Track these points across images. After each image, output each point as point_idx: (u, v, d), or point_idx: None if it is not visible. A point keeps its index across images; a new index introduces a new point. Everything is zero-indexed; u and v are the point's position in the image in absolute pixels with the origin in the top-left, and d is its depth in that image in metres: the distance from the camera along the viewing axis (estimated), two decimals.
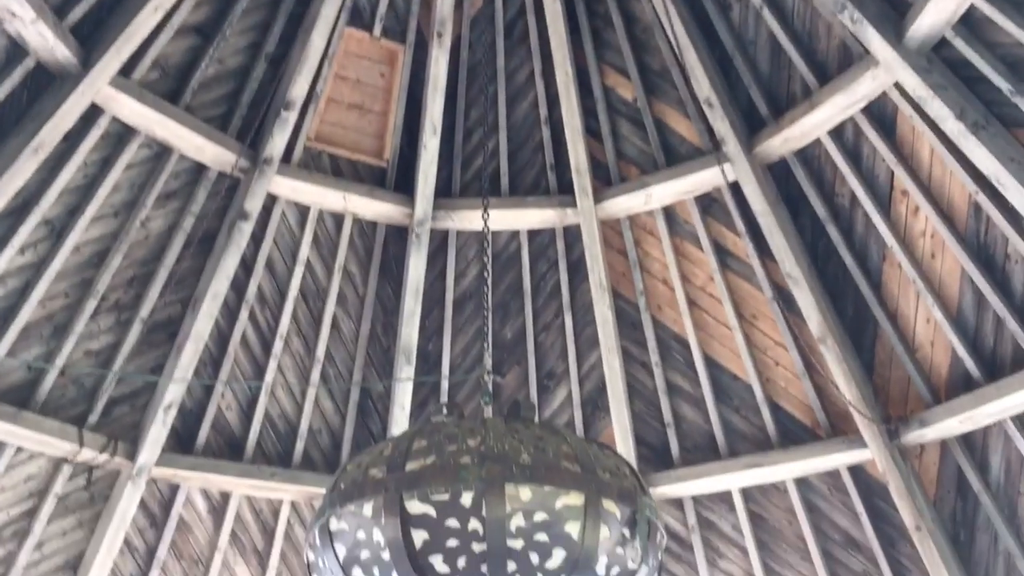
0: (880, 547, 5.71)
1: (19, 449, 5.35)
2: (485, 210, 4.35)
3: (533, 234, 6.44)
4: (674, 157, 6.09)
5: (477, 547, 2.89)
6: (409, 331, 6.22)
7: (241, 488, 6.00)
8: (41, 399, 5.36)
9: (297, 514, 6.23)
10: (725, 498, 6.14)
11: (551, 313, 6.49)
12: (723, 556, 6.20)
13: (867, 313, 5.68)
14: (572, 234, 6.35)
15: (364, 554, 2.99)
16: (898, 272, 5.54)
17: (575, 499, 2.96)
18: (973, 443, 5.40)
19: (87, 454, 5.48)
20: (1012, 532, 5.24)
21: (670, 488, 6.11)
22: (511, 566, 2.90)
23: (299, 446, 6.16)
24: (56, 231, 5.33)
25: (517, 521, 2.90)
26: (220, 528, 6.00)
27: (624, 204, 6.17)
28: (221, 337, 5.99)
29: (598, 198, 6.17)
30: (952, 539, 5.46)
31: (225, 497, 6.03)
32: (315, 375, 6.21)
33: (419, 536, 2.91)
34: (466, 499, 2.91)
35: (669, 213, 6.16)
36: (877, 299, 5.62)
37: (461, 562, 2.90)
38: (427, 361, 6.45)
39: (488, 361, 4.26)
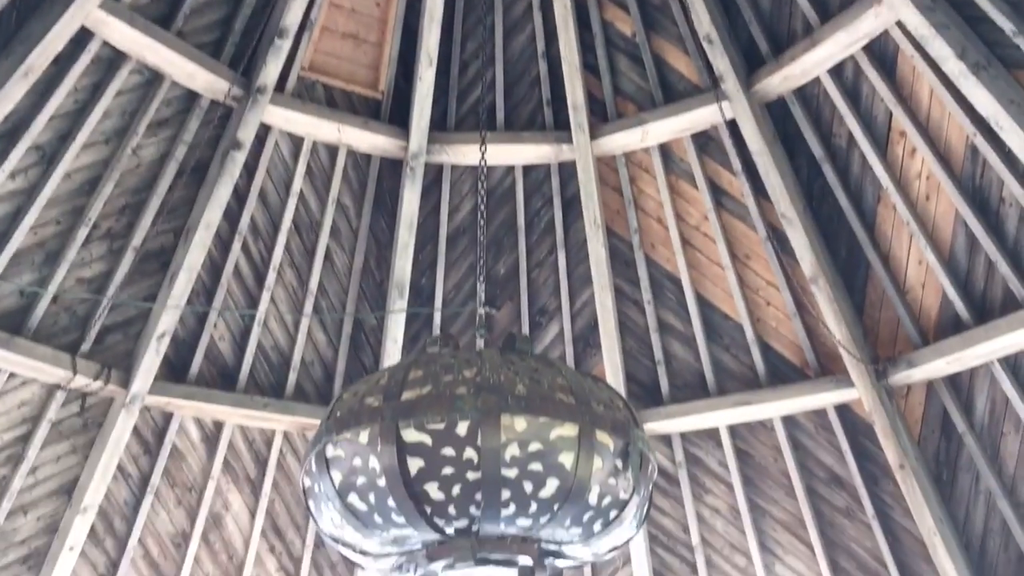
0: (863, 484, 5.81)
1: (12, 375, 5.36)
2: (483, 143, 4.31)
3: (528, 170, 6.41)
4: (672, 94, 6.04)
5: (472, 475, 2.93)
6: (402, 264, 6.21)
7: (234, 418, 6.04)
8: (33, 326, 5.36)
9: (290, 444, 6.29)
10: (712, 435, 6.22)
11: (544, 250, 6.49)
12: (709, 491, 6.30)
13: (860, 254, 5.71)
14: (567, 170, 6.31)
15: (360, 480, 3.02)
16: (892, 214, 5.54)
17: (569, 430, 3.00)
18: (959, 384, 5.47)
19: (80, 381, 5.49)
20: (994, 472, 5.34)
21: (659, 424, 6.18)
22: (505, 494, 2.94)
23: (292, 377, 6.18)
24: (47, 157, 5.27)
25: (512, 451, 2.93)
26: (213, 456, 6.05)
27: (620, 141, 6.13)
28: (214, 268, 5.97)
29: (594, 134, 6.12)
30: (935, 478, 5.56)
31: (218, 426, 6.07)
32: (308, 307, 6.22)
33: (414, 464, 2.94)
34: (461, 428, 2.94)
35: (665, 151, 6.13)
36: (870, 240, 5.64)
37: (456, 490, 2.94)
38: (420, 295, 6.46)
39: (481, 293, 4.26)
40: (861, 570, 5.90)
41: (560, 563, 3.26)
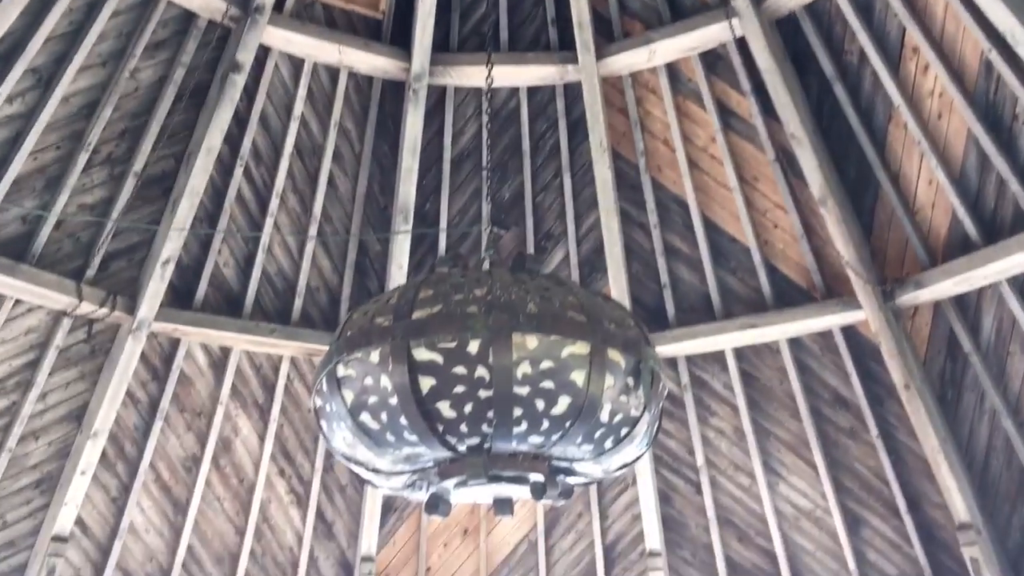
0: (868, 405, 5.84)
1: (18, 302, 5.35)
2: (489, 63, 4.20)
3: (533, 91, 6.30)
4: (680, 11, 5.90)
5: (484, 394, 2.92)
6: (406, 189, 6.14)
7: (241, 344, 6.05)
8: (37, 252, 5.34)
9: (297, 370, 6.31)
10: (718, 358, 6.23)
11: (550, 173, 6.42)
12: (714, 414, 6.34)
13: (869, 175, 5.64)
14: (573, 92, 6.21)
15: (371, 399, 3.02)
16: (903, 133, 5.46)
17: (581, 348, 2.99)
18: (966, 305, 5.46)
19: (86, 308, 5.49)
20: (999, 391, 5.35)
21: (665, 348, 6.17)
22: (517, 412, 2.94)
23: (297, 303, 6.18)
24: (43, 80, 5.19)
25: (523, 369, 2.93)
26: (221, 382, 6.08)
27: (627, 61, 6.01)
28: (216, 193, 5.92)
29: (600, 54, 6.00)
30: (939, 398, 5.58)
31: (225, 352, 6.08)
32: (312, 233, 6.17)
33: (426, 382, 2.94)
34: (473, 347, 2.93)
35: (673, 70, 6.02)
36: (880, 160, 5.57)
37: (468, 408, 2.94)
38: (424, 220, 6.41)
39: (487, 213, 4.22)
40: (864, 489, 5.96)
41: (571, 480, 3.29)
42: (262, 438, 6.24)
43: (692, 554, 6.36)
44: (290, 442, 6.34)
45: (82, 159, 5.39)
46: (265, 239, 6.04)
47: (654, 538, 6.32)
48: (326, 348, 5.92)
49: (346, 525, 6.48)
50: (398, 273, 6.23)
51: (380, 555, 6.46)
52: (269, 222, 6.06)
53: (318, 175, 6.18)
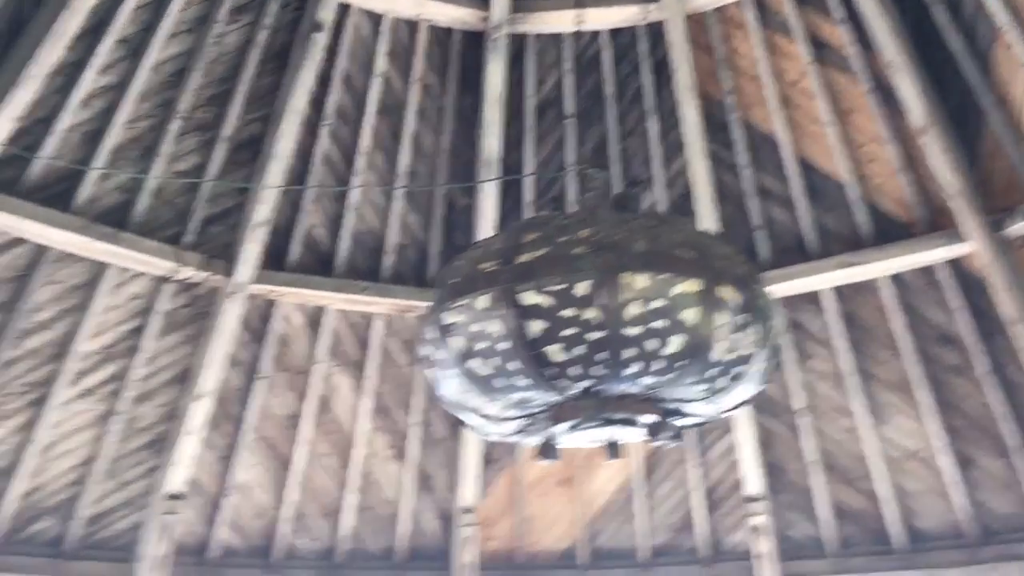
0: (977, 341, 5.64)
1: (122, 269, 5.50)
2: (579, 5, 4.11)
3: (614, 34, 6.17)
4: None
5: (594, 335, 2.88)
6: (490, 141, 6.10)
7: (335, 303, 6.12)
8: (136, 220, 5.46)
9: (390, 326, 6.36)
10: (815, 299, 6.08)
11: (635, 117, 6.30)
12: (812, 356, 6.20)
13: (972, 101, 5.39)
14: (656, 32, 6.06)
15: (480, 345, 3.00)
16: (1009, 54, 5.19)
17: (691, 286, 2.92)
18: None
19: (186, 273, 5.61)
20: None
21: None
22: (628, 353, 2.89)
23: (387, 261, 6.22)
24: (133, 49, 5.26)
25: (634, 309, 2.87)
26: (317, 341, 6.17)
27: None
28: (304, 155, 5.96)
29: None
30: None
31: (320, 311, 6.17)
32: (399, 193, 6.19)
33: (535, 326, 2.91)
34: (581, 288, 2.89)
35: (760, 3, 5.82)
36: (985, 85, 5.31)
37: (578, 350, 2.90)
38: (509, 172, 6.35)
39: (573, 158, 4.15)
40: (974, 428, 5.78)
41: (682, 421, 3.24)
42: (359, 394, 6.33)
43: (793, 499, 6.27)
44: (386, 398, 6.42)
45: (175, 127, 5.48)
46: (353, 197, 6.08)
47: (755, 483, 6.24)
48: (418, 304, 6.00)
49: (445, 477, 6.55)
50: (485, 226, 6.22)
51: (479, 506, 6.52)
52: (356, 181, 6.09)
53: (402, 132, 6.18)
